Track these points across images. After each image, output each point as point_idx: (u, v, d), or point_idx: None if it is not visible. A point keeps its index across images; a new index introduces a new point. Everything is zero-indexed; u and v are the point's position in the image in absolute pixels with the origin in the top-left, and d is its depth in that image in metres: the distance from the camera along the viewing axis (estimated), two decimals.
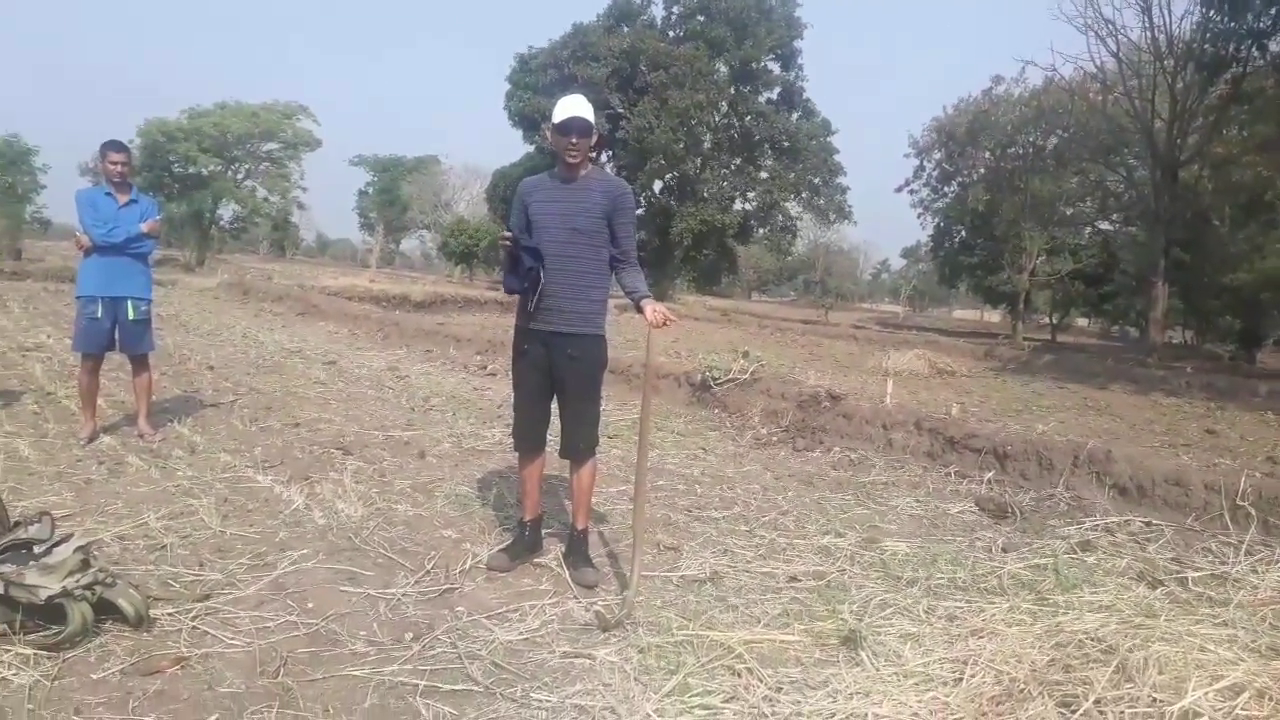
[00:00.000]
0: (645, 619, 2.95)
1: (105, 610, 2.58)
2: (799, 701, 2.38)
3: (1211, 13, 18.52)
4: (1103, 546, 4.02)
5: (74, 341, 5.16)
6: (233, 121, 35.49)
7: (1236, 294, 20.70)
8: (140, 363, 5.17)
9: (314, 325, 13.28)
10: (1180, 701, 2.25)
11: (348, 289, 19.20)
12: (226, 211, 38.98)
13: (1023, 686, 2.42)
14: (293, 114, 37.68)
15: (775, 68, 34.10)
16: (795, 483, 5.18)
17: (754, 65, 32.71)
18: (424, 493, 4.39)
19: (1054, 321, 36.33)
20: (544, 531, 3.65)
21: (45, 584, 2.49)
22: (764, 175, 34.32)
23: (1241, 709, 2.25)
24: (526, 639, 2.77)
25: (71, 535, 2.83)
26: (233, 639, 2.61)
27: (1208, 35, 18.92)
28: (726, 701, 2.38)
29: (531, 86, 32.62)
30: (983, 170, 31.31)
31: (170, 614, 2.73)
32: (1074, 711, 2.28)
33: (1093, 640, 2.71)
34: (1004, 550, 3.94)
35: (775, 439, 6.35)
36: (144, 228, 4.98)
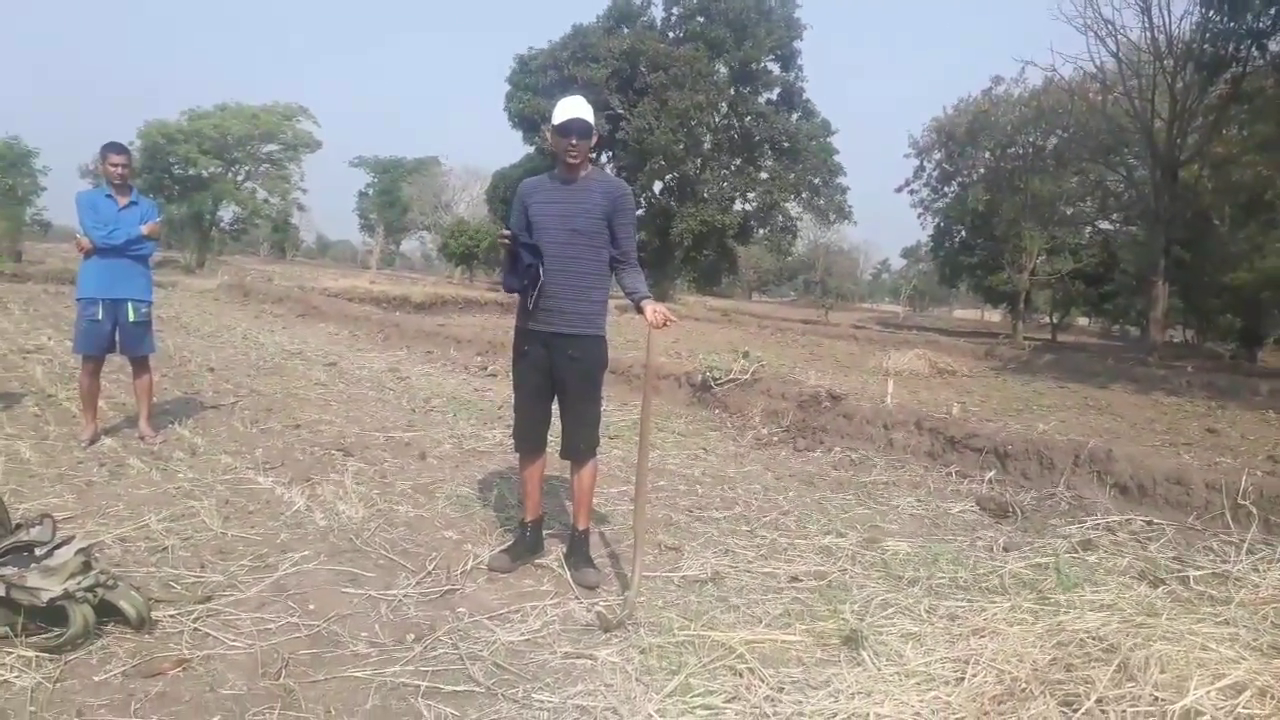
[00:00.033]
0: (647, 619, 2.95)
1: (107, 612, 2.58)
2: (801, 701, 2.38)
3: (1211, 13, 18.52)
4: (1104, 545, 4.01)
5: (74, 343, 5.17)
6: (233, 123, 35.53)
7: (1237, 293, 20.70)
8: (141, 365, 5.17)
9: (314, 327, 13.29)
10: (1182, 700, 2.25)
11: (348, 290, 19.19)
12: (227, 213, 39.08)
13: (1024, 686, 2.41)
14: (293, 115, 37.72)
15: (775, 68, 34.12)
16: (796, 483, 5.18)
17: (754, 66, 32.71)
18: (425, 494, 4.39)
19: (1054, 321, 36.34)
20: (545, 532, 3.65)
21: (47, 586, 2.49)
22: (764, 176, 34.32)
23: (1243, 707, 2.25)
24: (528, 640, 2.77)
25: (73, 537, 2.83)
26: (234, 640, 2.61)
27: (1207, 35, 18.92)
28: (728, 702, 2.38)
29: (531, 88, 32.62)
30: (983, 170, 31.31)
31: (172, 616, 2.73)
32: (1076, 710, 2.28)
33: (1094, 639, 2.71)
34: (1005, 549, 3.94)
35: (776, 439, 6.35)
36: (144, 230, 4.98)
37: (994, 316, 49.56)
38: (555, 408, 3.44)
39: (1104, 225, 29.94)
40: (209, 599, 2.88)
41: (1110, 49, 21.33)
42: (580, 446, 3.37)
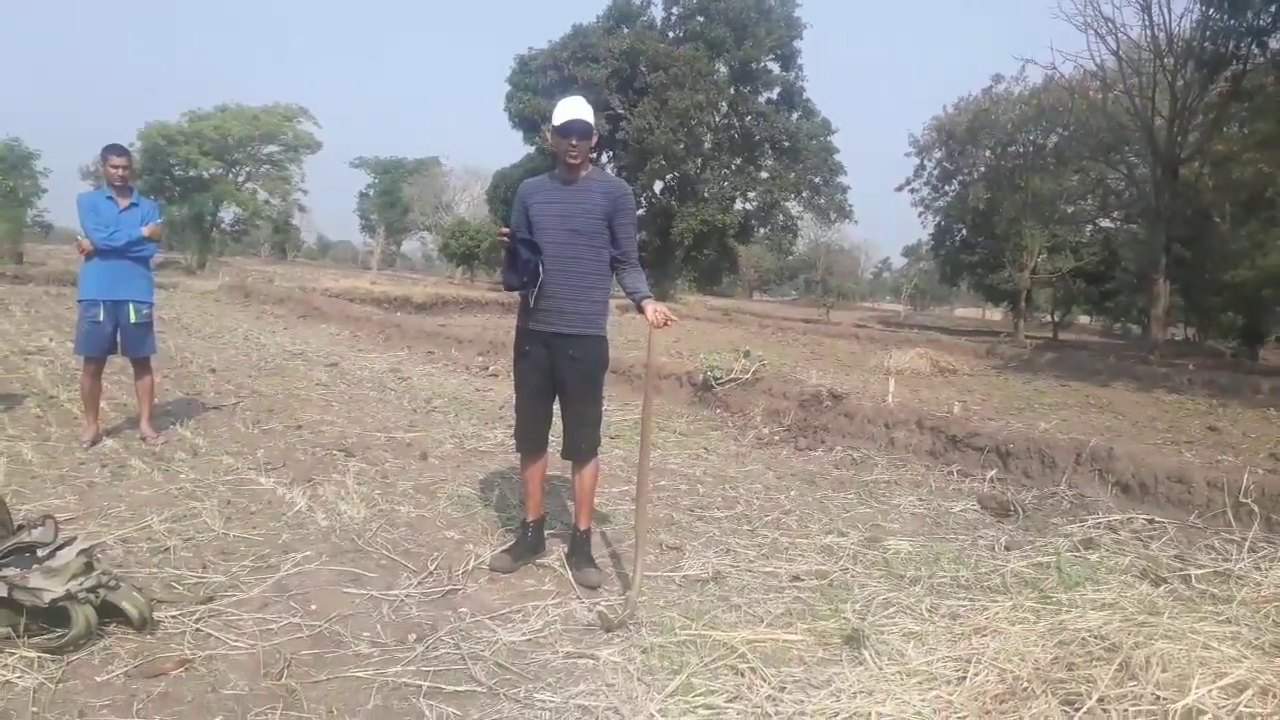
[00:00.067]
0: (648, 619, 2.96)
1: (109, 613, 2.59)
2: (802, 701, 2.38)
3: (1211, 10, 18.52)
4: (1105, 544, 4.01)
5: (76, 345, 5.17)
6: (233, 124, 35.52)
7: (1238, 291, 20.71)
8: (142, 366, 5.18)
9: (316, 327, 13.29)
10: (1184, 699, 2.25)
11: (349, 291, 19.19)
12: (227, 214, 39.04)
13: (1026, 685, 2.41)
14: (293, 116, 37.70)
15: (775, 68, 34.10)
16: (797, 482, 5.18)
17: (754, 65, 32.70)
18: (427, 494, 4.39)
19: (1055, 319, 36.33)
20: (546, 532, 3.64)
21: (49, 587, 2.50)
22: (764, 175, 34.32)
23: (1245, 706, 2.24)
24: (530, 640, 2.77)
25: (75, 538, 2.84)
26: (236, 641, 2.61)
27: (1207, 33, 18.92)
28: (730, 701, 2.38)
29: (531, 88, 32.62)
30: (983, 169, 31.29)
31: (174, 616, 2.73)
32: (1077, 709, 2.28)
33: (1096, 638, 2.71)
34: (1007, 548, 3.94)
35: (777, 438, 6.35)
36: (145, 231, 4.99)
37: (995, 315, 49.57)
38: (557, 408, 3.44)
39: (1105, 223, 29.95)
40: (211, 599, 2.89)
41: (1110, 47, 21.37)
42: (582, 446, 3.37)
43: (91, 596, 2.53)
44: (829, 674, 2.55)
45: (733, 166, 34.15)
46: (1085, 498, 4.80)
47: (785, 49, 33.18)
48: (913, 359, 13.63)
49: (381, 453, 5.21)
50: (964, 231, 34.37)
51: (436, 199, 55.33)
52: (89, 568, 2.62)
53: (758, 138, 33.92)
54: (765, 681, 2.49)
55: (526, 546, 3.49)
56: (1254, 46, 18.02)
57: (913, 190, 34.16)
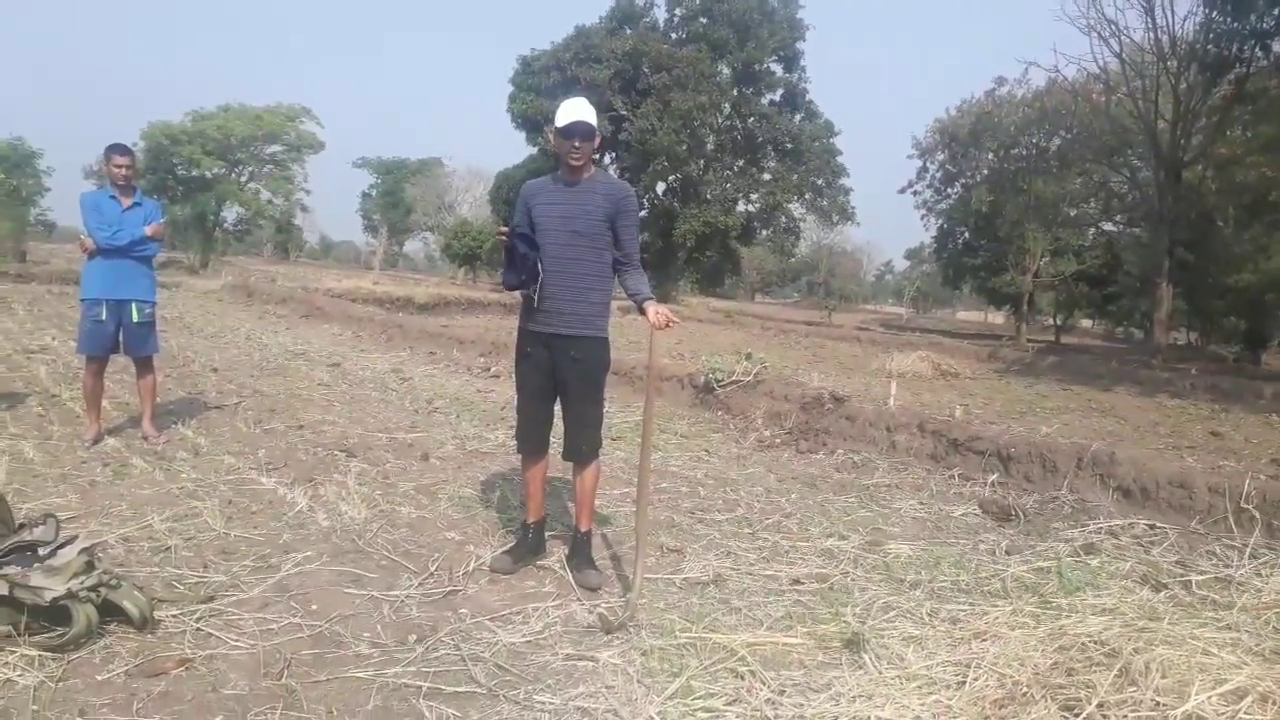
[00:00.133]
0: (648, 621, 2.96)
1: (110, 612, 2.59)
2: (802, 704, 2.38)
3: (1214, 14, 18.50)
4: (1106, 549, 4.01)
5: (78, 344, 5.18)
6: (236, 124, 35.59)
7: (1241, 295, 20.69)
8: (145, 365, 5.19)
9: (318, 327, 13.31)
10: (1183, 705, 2.25)
11: (351, 291, 19.20)
12: (230, 214, 39.15)
13: (1025, 690, 2.41)
14: (296, 116, 37.77)
15: (778, 69, 34.15)
16: (798, 485, 5.18)
17: (756, 67, 32.73)
18: (427, 495, 4.40)
19: (1058, 323, 36.32)
20: (547, 534, 3.65)
21: (50, 586, 2.50)
22: (767, 177, 34.34)
23: (1245, 713, 2.24)
24: (530, 641, 2.77)
25: (76, 537, 2.84)
26: (237, 641, 2.62)
27: (1211, 36, 18.89)
28: (729, 704, 2.38)
29: (534, 89, 32.67)
30: (986, 171, 31.32)
31: (174, 616, 2.74)
32: (1077, 715, 2.27)
33: (1096, 643, 2.70)
34: (1007, 553, 3.93)
35: (778, 441, 6.35)
36: (148, 230, 4.99)
37: (997, 318, 49.51)
38: (558, 409, 3.44)
39: (1107, 227, 29.90)
40: (212, 599, 2.89)
41: (1113, 50, 21.33)
42: (583, 448, 3.37)
43: (92, 595, 2.54)
44: (829, 677, 2.55)
45: (735, 168, 34.16)
46: (1086, 502, 4.80)
47: (788, 50, 33.22)
48: (914, 362, 13.63)
49: (383, 453, 5.21)
50: (966, 234, 34.37)
51: (439, 199, 55.34)
52: (90, 566, 2.63)
53: (760, 139, 33.93)
54: (765, 684, 2.49)
55: (527, 548, 3.49)
56: (1258, 49, 18.01)
57: (915, 193, 34.24)
